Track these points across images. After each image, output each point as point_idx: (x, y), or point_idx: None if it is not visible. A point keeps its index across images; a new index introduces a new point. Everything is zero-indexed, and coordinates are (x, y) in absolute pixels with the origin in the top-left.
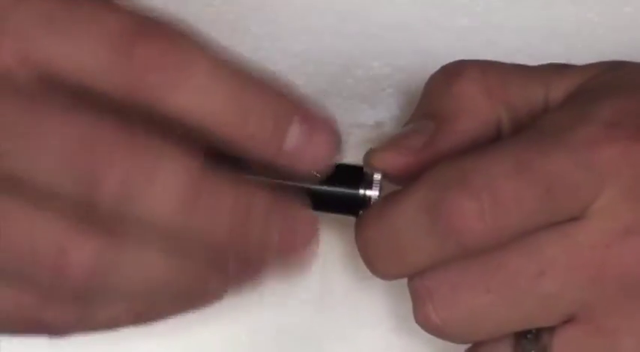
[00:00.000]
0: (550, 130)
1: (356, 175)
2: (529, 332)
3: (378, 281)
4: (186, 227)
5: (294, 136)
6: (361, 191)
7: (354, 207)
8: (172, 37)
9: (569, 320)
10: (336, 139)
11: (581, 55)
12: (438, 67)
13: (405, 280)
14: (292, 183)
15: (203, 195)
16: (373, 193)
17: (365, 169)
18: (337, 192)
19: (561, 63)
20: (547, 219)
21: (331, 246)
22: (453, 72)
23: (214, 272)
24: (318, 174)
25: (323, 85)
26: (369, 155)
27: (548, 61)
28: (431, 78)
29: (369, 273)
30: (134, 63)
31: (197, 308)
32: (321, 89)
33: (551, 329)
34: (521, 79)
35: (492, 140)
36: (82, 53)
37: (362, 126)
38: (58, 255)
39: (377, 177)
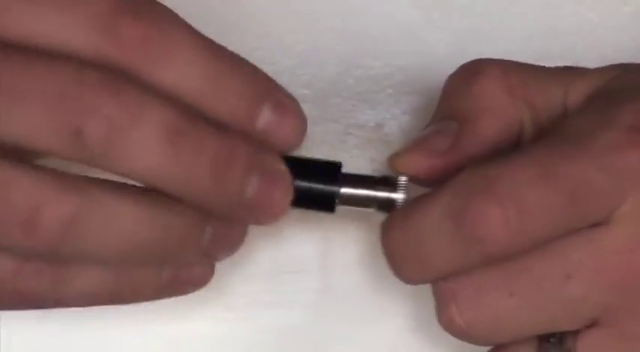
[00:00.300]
0: (573, 136)
1: (330, 171)
2: (552, 335)
3: (378, 281)
4: (168, 174)
5: (266, 115)
6: (387, 194)
7: (325, 202)
8: (157, 18)
9: (592, 323)
10: (303, 120)
11: (581, 55)
12: (438, 67)
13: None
14: None
15: (185, 142)
16: (399, 196)
17: (391, 173)
18: (312, 187)
19: (576, 66)
20: (571, 225)
21: (331, 245)
22: (473, 71)
23: (193, 236)
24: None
25: (323, 85)
26: (394, 158)
27: (548, 61)
28: (450, 78)
29: (369, 273)
30: (119, 42)
31: (177, 286)
32: (321, 89)
33: (574, 333)
34: (541, 80)
35: (515, 141)
36: (68, 30)
37: (362, 127)
38: (32, 212)
39: (403, 180)
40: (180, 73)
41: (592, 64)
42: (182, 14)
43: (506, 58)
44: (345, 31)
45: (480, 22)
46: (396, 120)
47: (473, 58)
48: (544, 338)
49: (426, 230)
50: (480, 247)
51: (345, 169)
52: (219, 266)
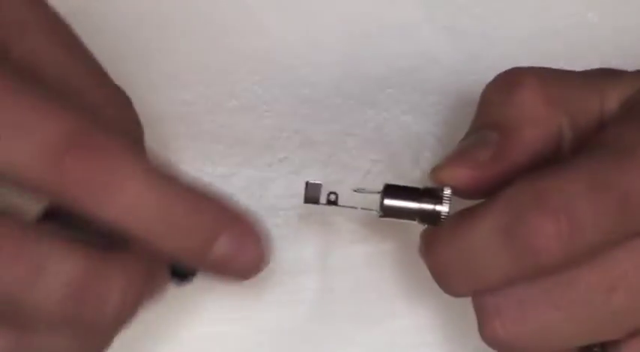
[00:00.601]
0: (619, 145)
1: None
2: (595, 345)
3: (378, 281)
4: (77, 314)
5: (220, 248)
6: (431, 206)
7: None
8: (104, 150)
9: (635, 333)
10: (262, 249)
11: (581, 55)
12: (438, 67)
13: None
14: None
15: (89, 288)
16: (443, 208)
17: (433, 184)
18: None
19: (610, 68)
20: (621, 236)
21: (331, 246)
22: (512, 81)
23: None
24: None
25: (323, 85)
26: (436, 169)
27: (549, 61)
28: (488, 87)
29: (369, 274)
30: (64, 175)
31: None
32: (321, 89)
33: (616, 343)
34: (577, 87)
35: (555, 150)
36: (15, 156)
37: (362, 127)
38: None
39: (447, 192)
40: (125, 208)
41: (592, 64)
42: (182, 15)
43: (506, 58)
44: (345, 31)
45: (480, 22)
46: (396, 120)
47: (473, 58)
48: (586, 349)
49: (478, 244)
50: (534, 261)
51: (344, 169)
52: None
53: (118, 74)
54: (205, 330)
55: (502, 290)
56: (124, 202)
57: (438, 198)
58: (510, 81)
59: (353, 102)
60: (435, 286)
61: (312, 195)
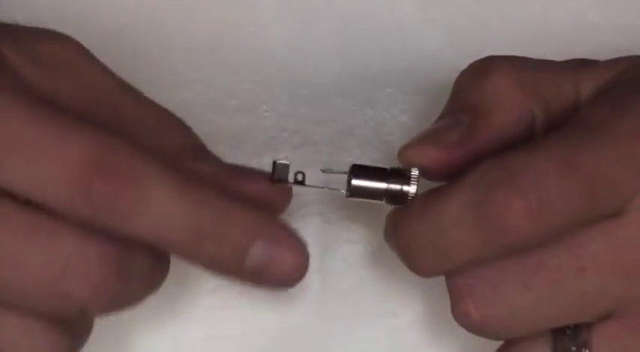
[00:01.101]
0: (590, 126)
1: None
2: (567, 327)
3: (378, 281)
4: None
5: (255, 257)
6: (399, 186)
7: None
8: (130, 170)
9: (608, 315)
10: (302, 255)
11: (581, 55)
12: (437, 66)
13: (400, 283)
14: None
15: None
16: (410, 189)
17: (400, 164)
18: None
19: (586, 58)
20: (589, 216)
21: (330, 246)
22: (484, 67)
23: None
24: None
25: (323, 85)
26: (403, 149)
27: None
28: (461, 74)
29: (368, 274)
30: (92, 199)
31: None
32: (321, 89)
33: (589, 325)
34: (551, 74)
35: (526, 135)
36: (43, 183)
37: (362, 127)
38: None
39: (415, 173)
40: (154, 222)
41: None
42: (182, 15)
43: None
44: (345, 31)
45: (480, 22)
46: (396, 120)
47: (473, 58)
48: (559, 331)
49: (447, 221)
50: (502, 238)
51: (344, 169)
52: None
53: (118, 74)
54: (206, 330)
55: (474, 271)
56: (152, 217)
57: (405, 179)
58: (483, 67)
59: (353, 102)
60: (433, 287)
61: (279, 175)
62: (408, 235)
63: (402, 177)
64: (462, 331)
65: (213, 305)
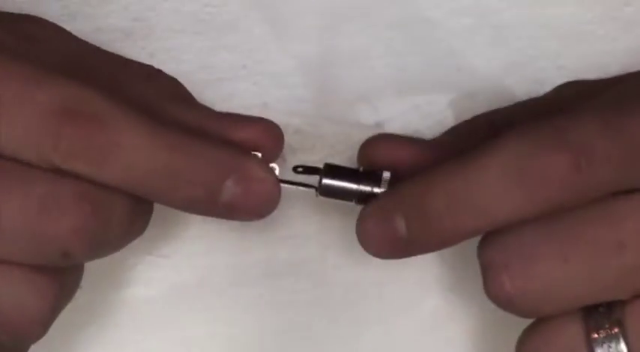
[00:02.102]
0: (629, 95)
1: None
2: (600, 305)
3: (377, 280)
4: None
5: (228, 194)
6: (369, 188)
7: None
8: (99, 116)
9: None
10: (273, 187)
11: (581, 56)
12: (438, 66)
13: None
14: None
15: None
16: (381, 191)
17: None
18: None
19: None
20: (632, 183)
21: (330, 246)
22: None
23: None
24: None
25: (323, 85)
26: (363, 145)
27: (548, 61)
28: None
29: (367, 274)
30: (61, 145)
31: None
32: (321, 89)
33: (622, 303)
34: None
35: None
36: (13, 132)
37: (362, 127)
38: None
39: (386, 175)
40: (126, 167)
41: (591, 64)
42: (182, 15)
43: (506, 58)
44: (346, 31)
45: (480, 23)
46: (396, 120)
47: (473, 57)
48: (591, 308)
49: (489, 176)
50: (546, 192)
51: None
52: (216, 269)
53: None
54: (205, 330)
55: (509, 243)
56: (122, 162)
57: (376, 181)
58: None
59: (352, 102)
60: (433, 288)
61: None
62: (445, 194)
63: (374, 179)
64: (463, 331)
65: (212, 306)
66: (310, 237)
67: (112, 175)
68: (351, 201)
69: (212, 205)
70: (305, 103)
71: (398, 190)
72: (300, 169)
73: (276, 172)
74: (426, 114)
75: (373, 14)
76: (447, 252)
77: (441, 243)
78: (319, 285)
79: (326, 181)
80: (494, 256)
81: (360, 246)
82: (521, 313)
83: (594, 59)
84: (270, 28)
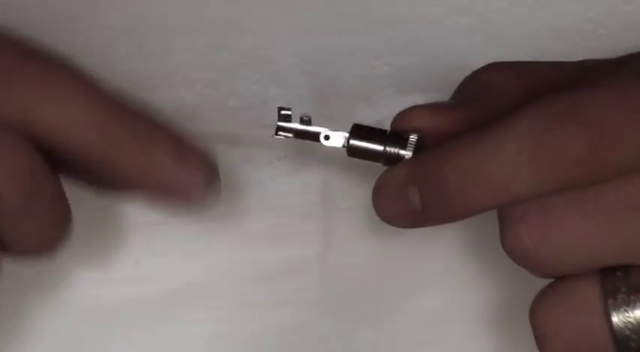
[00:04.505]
0: None
1: None
2: (617, 269)
3: (378, 280)
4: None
5: (159, 158)
6: (396, 150)
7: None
8: (51, 61)
9: None
10: (208, 168)
11: (582, 55)
12: (438, 66)
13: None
14: None
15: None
16: (407, 153)
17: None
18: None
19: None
20: None
21: (331, 246)
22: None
23: None
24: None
25: (323, 84)
26: (398, 114)
27: (548, 61)
28: (462, 81)
29: (369, 274)
30: (12, 95)
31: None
32: (321, 89)
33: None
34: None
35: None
36: None
37: None
38: None
39: (413, 137)
40: (65, 120)
41: None
42: (181, 15)
43: (505, 58)
44: (345, 31)
45: (480, 22)
46: None
47: (473, 57)
48: (609, 271)
49: (505, 151)
50: (563, 169)
51: (345, 167)
52: (216, 268)
53: (118, 74)
54: (205, 330)
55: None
56: (63, 114)
57: (403, 144)
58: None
59: (353, 102)
60: (434, 286)
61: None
62: (459, 168)
63: (401, 141)
64: (462, 332)
65: (212, 305)
66: (310, 237)
67: (52, 125)
68: (379, 161)
69: (143, 171)
70: (305, 103)
71: (412, 162)
72: (327, 134)
73: (311, 123)
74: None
75: (373, 14)
76: (447, 251)
77: (455, 216)
78: (319, 285)
79: (353, 142)
80: (513, 208)
81: (361, 246)
82: (537, 269)
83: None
84: (270, 28)
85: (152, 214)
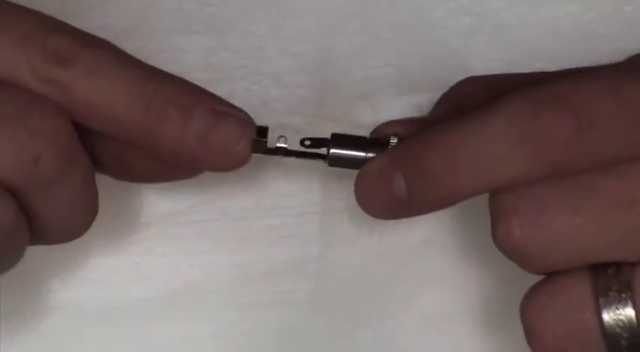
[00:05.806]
0: (634, 65)
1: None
2: (609, 266)
3: (376, 280)
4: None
5: (198, 123)
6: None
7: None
8: (79, 32)
9: None
10: (246, 128)
11: (582, 55)
12: (438, 66)
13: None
14: None
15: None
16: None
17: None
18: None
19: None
20: (635, 149)
21: (329, 246)
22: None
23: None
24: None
25: (323, 85)
26: (380, 126)
27: (548, 61)
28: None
29: (366, 274)
30: (47, 53)
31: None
32: (320, 90)
33: (632, 266)
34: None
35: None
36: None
37: (362, 126)
38: None
39: (393, 141)
40: (104, 78)
41: (593, 64)
42: (182, 15)
43: (505, 58)
44: (345, 31)
45: (480, 22)
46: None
47: (473, 57)
48: (600, 268)
49: (491, 136)
50: (549, 154)
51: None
52: (216, 268)
53: None
54: (205, 330)
55: (521, 189)
56: (100, 84)
57: (384, 147)
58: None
59: (352, 102)
60: (432, 287)
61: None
62: (444, 152)
63: (381, 146)
64: (461, 332)
65: (211, 305)
66: (310, 237)
67: (81, 99)
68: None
69: (181, 135)
70: (305, 103)
71: (396, 149)
72: (307, 142)
73: (285, 144)
74: (425, 113)
75: (373, 14)
76: (447, 250)
77: (441, 202)
78: (319, 285)
79: (334, 151)
80: (505, 201)
81: (360, 246)
82: (528, 263)
83: (594, 59)
84: (270, 28)
85: (152, 214)
